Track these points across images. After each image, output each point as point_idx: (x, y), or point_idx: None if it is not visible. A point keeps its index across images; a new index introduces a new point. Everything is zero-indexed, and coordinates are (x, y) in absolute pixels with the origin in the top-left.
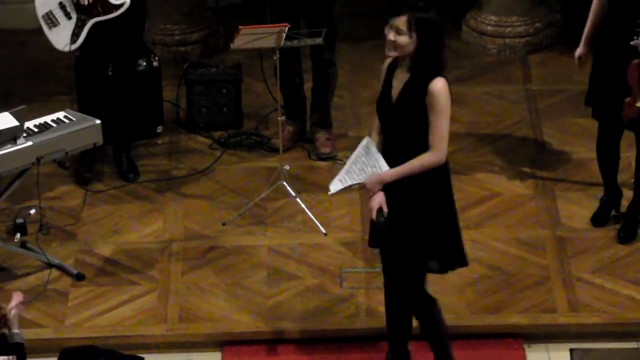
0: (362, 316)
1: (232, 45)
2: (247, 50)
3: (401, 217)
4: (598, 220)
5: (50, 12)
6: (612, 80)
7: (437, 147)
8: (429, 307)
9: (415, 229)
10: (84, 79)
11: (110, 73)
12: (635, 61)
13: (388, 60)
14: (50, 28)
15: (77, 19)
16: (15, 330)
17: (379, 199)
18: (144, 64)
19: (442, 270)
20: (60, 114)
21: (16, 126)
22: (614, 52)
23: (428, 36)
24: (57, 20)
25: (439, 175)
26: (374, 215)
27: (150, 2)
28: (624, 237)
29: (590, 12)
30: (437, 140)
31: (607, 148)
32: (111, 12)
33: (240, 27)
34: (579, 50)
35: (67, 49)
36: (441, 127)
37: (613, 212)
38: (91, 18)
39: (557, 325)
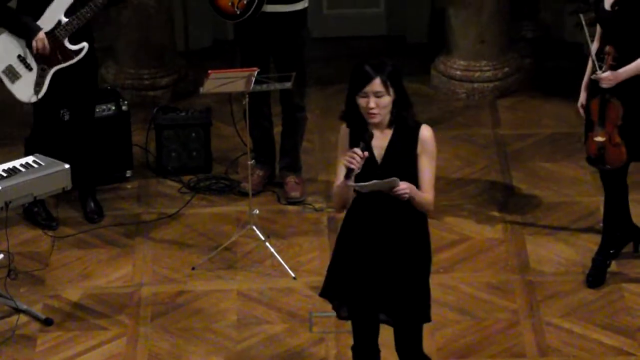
0: None
1: (201, 90)
2: (216, 94)
3: (410, 270)
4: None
5: (10, 66)
6: (589, 128)
7: (432, 189)
8: None
9: (421, 280)
10: (40, 123)
11: (67, 118)
12: (597, 97)
13: (345, 128)
14: (12, 82)
15: (39, 69)
16: None
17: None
18: (113, 108)
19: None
20: (29, 159)
21: None
22: (591, 101)
23: (401, 85)
24: (18, 73)
25: (425, 223)
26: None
27: (119, 47)
28: (593, 282)
29: (589, 63)
30: (431, 184)
31: (611, 185)
32: (71, 58)
33: (209, 71)
34: (581, 99)
35: (32, 100)
36: (433, 170)
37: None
38: (52, 66)
39: None
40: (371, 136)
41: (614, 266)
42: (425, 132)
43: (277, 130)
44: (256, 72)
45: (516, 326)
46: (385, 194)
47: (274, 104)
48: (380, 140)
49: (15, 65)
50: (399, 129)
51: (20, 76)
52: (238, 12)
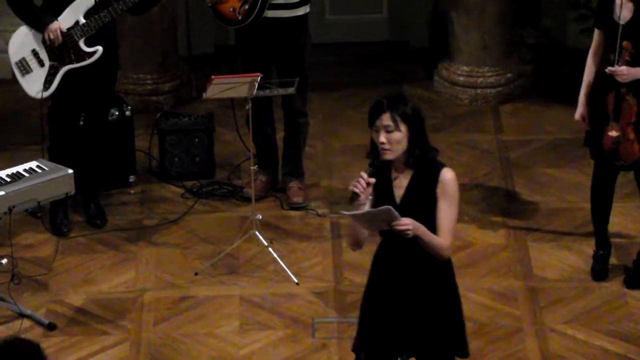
0: None
1: (204, 95)
2: (219, 99)
3: (435, 311)
4: (597, 275)
5: (24, 59)
6: (604, 122)
7: (448, 236)
8: None
9: (449, 319)
10: (57, 128)
11: (81, 123)
12: (612, 91)
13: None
14: (23, 75)
15: (50, 66)
16: None
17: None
18: (117, 113)
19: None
20: (33, 164)
21: None
22: (606, 95)
23: (416, 122)
24: (30, 67)
25: (451, 269)
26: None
27: (122, 52)
28: (631, 283)
29: (585, 75)
30: (448, 229)
31: (601, 191)
32: (84, 59)
33: (212, 76)
34: (581, 112)
35: (39, 95)
36: (453, 216)
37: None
38: (64, 65)
39: None
40: (380, 163)
41: (618, 272)
42: (447, 174)
43: (280, 135)
44: (259, 78)
45: (519, 332)
46: (407, 240)
47: (276, 110)
48: (401, 180)
49: (28, 59)
50: (420, 170)
51: (32, 70)
52: (240, 18)
